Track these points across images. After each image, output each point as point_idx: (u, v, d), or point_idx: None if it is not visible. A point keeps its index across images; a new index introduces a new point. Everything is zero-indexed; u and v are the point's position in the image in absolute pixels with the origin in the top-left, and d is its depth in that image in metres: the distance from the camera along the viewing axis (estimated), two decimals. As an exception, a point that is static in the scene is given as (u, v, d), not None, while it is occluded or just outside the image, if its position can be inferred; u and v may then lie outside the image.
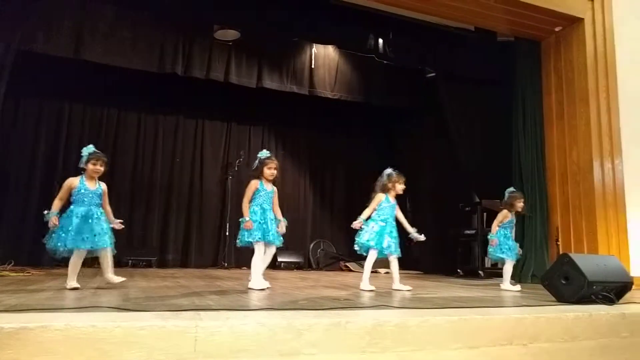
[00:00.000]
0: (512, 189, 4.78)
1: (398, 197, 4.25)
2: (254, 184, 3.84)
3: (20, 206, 6.80)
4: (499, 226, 4.59)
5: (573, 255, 3.42)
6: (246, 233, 3.75)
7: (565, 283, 3.28)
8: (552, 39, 6.23)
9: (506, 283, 4.51)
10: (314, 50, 7.60)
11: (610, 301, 3.11)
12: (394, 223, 4.12)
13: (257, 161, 3.90)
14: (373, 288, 3.95)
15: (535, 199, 5.96)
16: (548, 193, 6.05)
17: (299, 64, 7.55)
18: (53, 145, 7.19)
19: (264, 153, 3.93)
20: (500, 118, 6.53)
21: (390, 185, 4.12)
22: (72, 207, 3.34)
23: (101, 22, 6.13)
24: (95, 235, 3.29)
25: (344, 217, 8.38)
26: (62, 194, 3.37)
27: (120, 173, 7.30)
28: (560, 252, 5.54)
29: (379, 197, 4.12)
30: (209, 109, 8.22)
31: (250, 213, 3.75)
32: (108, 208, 3.53)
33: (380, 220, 4.05)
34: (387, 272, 6.02)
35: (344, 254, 8.48)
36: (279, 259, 7.61)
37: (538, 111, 6.26)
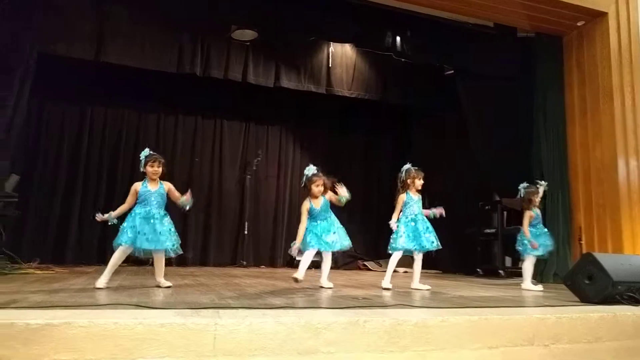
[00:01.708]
0: (525, 184, 4.69)
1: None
2: (305, 205, 3.94)
3: (45, 205, 6.95)
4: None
5: (597, 254, 3.36)
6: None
7: (589, 283, 3.22)
8: (574, 34, 6.11)
9: (527, 282, 4.43)
10: (331, 49, 7.58)
11: (636, 302, 3.03)
12: (424, 217, 4.09)
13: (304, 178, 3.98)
14: (390, 287, 3.93)
15: (557, 197, 5.85)
16: (570, 191, 5.93)
17: (316, 63, 7.55)
18: (75, 146, 7.33)
19: (310, 169, 4.01)
20: (520, 115, 6.42)
21: (409, 181, 4.11)
22: (135, 208, 3.45)
23: (120, 23, 6.21)
24: (155, 236, 3.36)
25: (361, 216, 8.37)
26: (129, 198, 3.49)
27: (140, 173, 7.39)
28: (584, 252, 5.43)
29: (402, 198, 4.10)
30: (228, 109, 8.28)
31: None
32: (177, 194, 3.62)
33: (410, 221, 4.03)
34: (406, 272, 5.99)
35: (362, 253, 8.46)
36: (297, 258, 7.61)
37: (560, 108, 6.15)
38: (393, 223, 4.07)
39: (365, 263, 8.09)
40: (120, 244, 3.33)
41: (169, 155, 7.92)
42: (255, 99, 7.91)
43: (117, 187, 7.17)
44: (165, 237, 3.41)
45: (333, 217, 4.04)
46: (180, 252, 3.58)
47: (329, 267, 4.10)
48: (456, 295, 3.64)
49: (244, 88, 7.33)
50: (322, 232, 3.89)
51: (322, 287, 3.98)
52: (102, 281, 3.35)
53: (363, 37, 6.49)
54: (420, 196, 4.14)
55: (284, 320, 2.12)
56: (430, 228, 4.07)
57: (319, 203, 3.96)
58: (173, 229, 3.50)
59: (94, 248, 6.91)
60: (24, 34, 4.68)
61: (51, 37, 5.64)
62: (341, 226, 4.04)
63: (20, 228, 6.40)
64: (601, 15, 5.69)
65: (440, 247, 4.08)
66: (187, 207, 3.63)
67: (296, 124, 8.77)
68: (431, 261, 7.62)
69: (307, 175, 3.99)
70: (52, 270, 5.08)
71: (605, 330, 2.60)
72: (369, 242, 8.48)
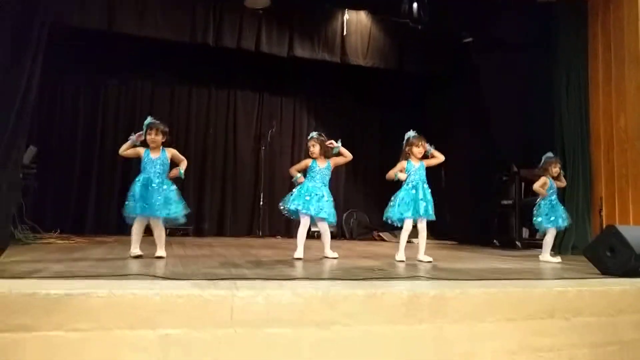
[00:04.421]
0: (550, 153, 4.60)
1: (434, 169, 4.16)
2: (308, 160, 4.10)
3: (64, 176, 7.02)
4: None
5: (620, 226, 3.28)
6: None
7: (611, 255, 3.16)
8: (600, -3, 5.84)
9: (546, 254, 4.38)
10: (345, 16, 7.38)
11: (658, 274, 2.97)
12: (425, 185, 4.02)
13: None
14: (404, 259, 3.91)
15: (577, 167, 5.72)
16: (592, 161, 5.79)
17: (330, 31, 7.37)
18: (91, 117, 7.35)
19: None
20: (540, 84, 6.23)
21: (407, 149, 4.03)
22: (137, 177, 3.46)
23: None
24: (150, 203, 3.35)
25: (376, 187, 8.30)
26: (133, 150, 3.51)
27: (155, 145, 7.42)
28: (604, 224, 5.33)
29: (401, 164, 4.05)
30: (241, 80, 8.18)
31: None
32: (181, 157, 3.63)
33: (411, 188, 3.97)
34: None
35: (377, 223, 8.44)
36: (312, 229, 7.65)
37: (582, 75, 5.93)
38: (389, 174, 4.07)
39: (381, 234, 8.09)
40: (124, 213, 3.37)
41: (183, 126, 7.93)
42: (269, 69, 7.80)
43: (133, 157, 7.21)
44: (160, 205, 3.37)
45: (327, 189, 4.06)
46: (181, 221, 3.54)
47: (329, 237, 4.12)
48: (473, 267, 3.61)
49: (257, 58, 7.21)
50: (310, 194, 3.91)
51: (326, 257, 3.99)
52: (132, 251, 3.39)
53: (378, 4, 6.31)
54: (423, 163, 4.05)
55: (301, 292, 2.12)
56: (429, 196, 3.98)
57: (322, 165, 4.03)
58: (174, 198, 3.44)
59: (113, 218, 7.00)
60: (36, 2, 4.62)
61: (64, 6, 5.57)
62: (331, 201, 4.04)
63: (40, 199, 6.48)
64: (630, -24, 5.41)
65: (434, 219, 4.00)
66: (182, 177, 3.59)
67: (310, 94, 8.65)
68: (447, 232, 7.62)
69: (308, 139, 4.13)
70: (73, 240, 5.16)
71: (628, 304, 2.55)
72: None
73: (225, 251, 4.47)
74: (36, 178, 5.80)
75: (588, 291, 2.52)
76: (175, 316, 1.94)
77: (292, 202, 3.92)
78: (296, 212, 3.95)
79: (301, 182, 4.00)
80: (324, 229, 4.07)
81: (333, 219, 4.06)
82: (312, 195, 3.93)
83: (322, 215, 3.96)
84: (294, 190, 4.01)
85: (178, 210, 3.45)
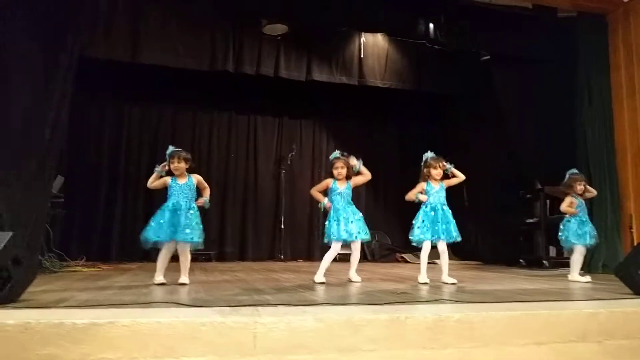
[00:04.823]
0: (574, 170, 4.50)
1: (456, 187, 4.11)
2: (328, 181, 4.06)
3: (90, 203, 7.19)
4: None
5: (651, 244, 3.17)
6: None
7: (643, 274, 3.05)
8: (620, 11, 5.79)
9: (574, 274, 4.25)
10: (362, 39, 7.48)
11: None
12: (445, 207, 3.97)
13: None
14: (428, 281, 3.85)
15: (604, 183, 5.59)
16: (619, 177, 5.65)
17: (347, 54, 7.47)
18: (115, 146, 7.56)
19: (333, 154, 4.10)
20: (561, 99, 6.15)
21: (425, 170, 3.99)
22: (165, 203, 3.51)
23: (153, 23, 6.32)
24: (178, 227, 3.38)
25: (397, 208, 8.25)
26: (159, 181, 3.58)
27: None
28: (635, 240, 5.17)
29: (420, 186, 4.01)
30: (261, 104, 8.31)
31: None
32: (205, 184, 3.69)
33: (430, 210, 3.93)
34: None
35: (399, 245, 8.35)
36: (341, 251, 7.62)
37: (605, 89, 5.86)
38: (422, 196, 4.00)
39: (403, 255, 7.99)
40: (144, 238, 3.40)
41: (205, 152, 8.07)
42: (288, 93, 7.91)
43: (156, 185, 7.34)
44: (187, 229, 3.41)
45: (354, 208, 4.02)
46: (201, 247, 3.58)
47: (358, 259, 4.05)
48: (499, 289, 3.53)
49: (276, 83, 7.33)
50: (344, 220, 3.87)
51: (350, 280, 3.94)
52: (156, 278, 3.44)
53: (395, 26, 6.35)
54: (443, 184, 4.00)
55: (324, 317, 2.10)
56: (450, 218, 3.92)
57: (342, 186, 3.97)
58: (198, 223, 3.49)
59: (136, 244, 7.09)
60: (67, 32, 4.80)
61: (90, 39, 5.78)
62: (362, 218, 4.00)
63: (67, 227, 6.64)
64: (649, -10, 5.37)
65: (459, 239, 3.93)
66: (206, 206, 3.63)
67: (329, 117, 8.73)
68: (471, 252, 7.48)
69: (330, 160, 4.07)
70: (98, 268, 5.26)
71: (663, 325, 2.45)
72: (406, 234, 8.32)
73: (247, 276, 4.48)
74: (63, 207, 5.95)
75: (621, 312, 2.43)
76: (198, 344, 1.95)
77: (334, 234, 3.84)
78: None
79: (329, 207, 3.92)
80: (357, 250, 4.02)
81: (368, 235, 4.03)
82: (345, 220, 3.89)
83: (360, 237, 3.92)
84: (328, 220, 3.93)
85: (197, 234, 3.48)
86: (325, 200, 3.95)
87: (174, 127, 7.92)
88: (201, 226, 3.53)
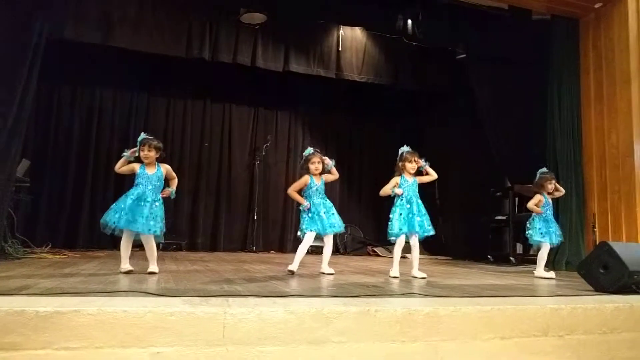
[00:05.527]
0: (544, 169, 4.62)
1: (427, 185, 4.17)
2: (305, 178, 4.04)
3: (57, 190, 7.00)
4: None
5: (612, 243, 3.29)
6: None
7: (604, 272, 3.16)
8: (591, 16, 5.94)
9: (540, 270, 4.38)
10: (341, 32, 7.46)
11: (652, 292, 2.98)
12: (419, 201, 4.02)
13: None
14: (399, 275, 3.90)
15: (570, 183, 5.76)
16: (584, 178, 5.83)
17: (325, 47, 7.44)
18: (85, 131, 7.35)
19: (308, 150, 4.13)
20: (533, 100, 6.29)
21: (401, 165, 4.04)
22: (130, 190, 3.43)
23: (128, 7, 6.15)
24: (138, 219, 3.31)
25: (371, 202, 8.34)
26: (127, 166, 3.49)
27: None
28: (597, 239, 5.35)
29: (395, 180, 4.05)
30: (236, 94, 8.23)
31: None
32: (174, 175, 3.61)
33: (406, 203, 3.97)
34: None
35: (372, 239, 8.44)
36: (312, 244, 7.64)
37: (575, 93, 6.01)
38: (385, 191, 4.05)
39: (375, 249, 8.07)
40: (103, 223, 3.33)
41: (178, 140, 7.94)
42: (265, 83, 7.84)
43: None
44: (151, 221, 3.34)
45: (329, 202, 4.10)
46: (161, 240, 3.51)
47: (330, 252, 4.08)
48: (468, 284, 3.61)
49: (253, 72, 7.26)
50: (319, 214, 3.91)
51: (322, 273, 3.97)
52: (122, 266, 3.37)
53: (374, 20, 6.37)
54: (416, 179, 4.05)
55: (294, 309, 2.10)
56: (423, 211, 3.98)
57: (318, 182, 4.04)
58: (162, 216, 3.43)
59: (105, 233, 6.95)
60: (35, 14, 4.63)
61: (60, 20, 5.59)
62: (335, 211, 4.07)
63: (32, 213, 6.44)
64: (620, -3, 5.52)
65: (433, 234, 3.99)
66: (172, 197, 3.56)
67: (306, 109, 8.70)
68: (441, 248, 7.61)
69: (305, 155, 4.09)
70: (64, 255, 5.11)
71: (621, 321, 2.55)
72: (379, 228, 8.44)
73: (218, 266, 4.44)
74: (29, 192, 5.76)
75: (582, 308, 2.51)
76: (167, 334, 1.92)
77: (309, 227, 3.89)
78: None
79: (308, 208, 3.94)
80: (330, 243, 4.04)
81: (342, 228, 4.09)
82: (319, 214, 3.93)
83: (334, 230, 3.97)
84: (303, 215, 3.97)
85: (159, 227, 3.41)
86: (305, 203, 3.96)
87: (147, 113, 7.76)
88: (164, 219, 3.47)
